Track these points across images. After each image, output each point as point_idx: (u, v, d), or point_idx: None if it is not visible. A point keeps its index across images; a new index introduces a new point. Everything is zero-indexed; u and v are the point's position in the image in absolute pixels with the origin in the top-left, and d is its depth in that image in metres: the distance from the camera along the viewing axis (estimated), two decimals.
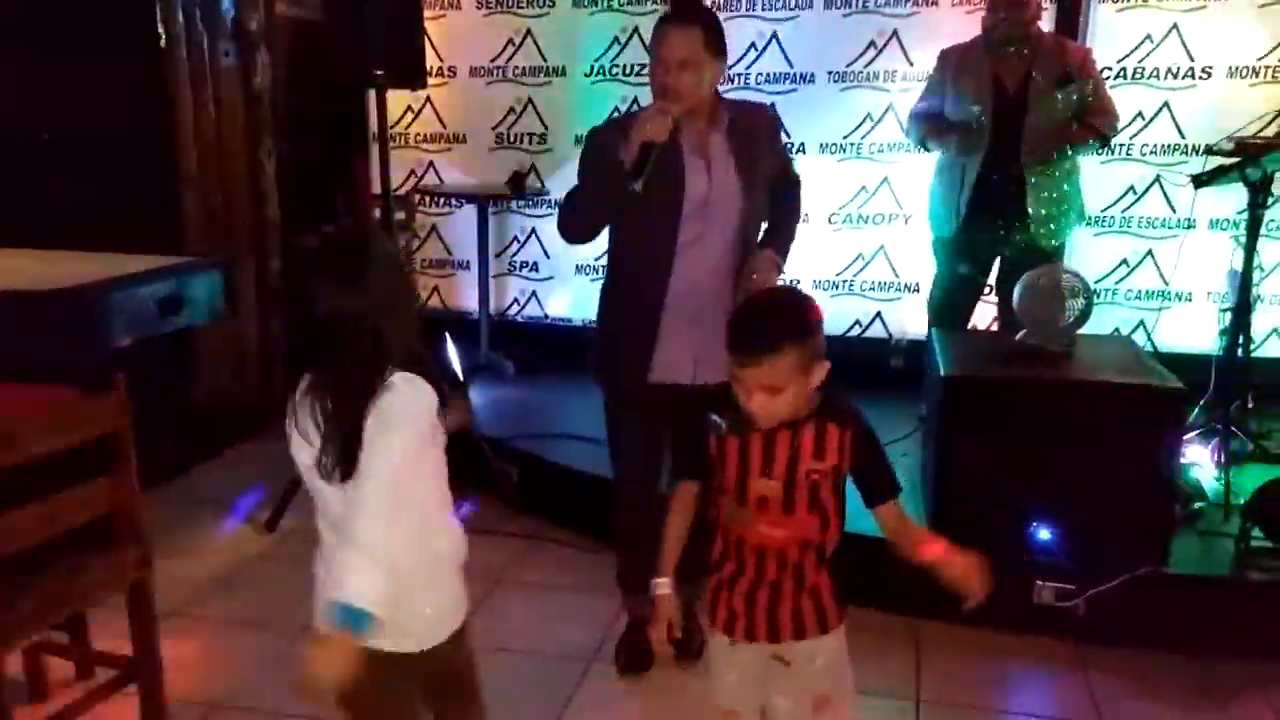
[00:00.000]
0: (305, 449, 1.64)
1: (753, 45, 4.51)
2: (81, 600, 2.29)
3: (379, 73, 3.59)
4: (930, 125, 3.59)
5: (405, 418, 1.58)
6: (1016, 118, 3.41)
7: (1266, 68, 4.04)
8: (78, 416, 2.16)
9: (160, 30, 4.14)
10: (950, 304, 3.74)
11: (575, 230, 2.55)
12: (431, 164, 5.05)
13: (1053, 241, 3.53)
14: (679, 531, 1.85)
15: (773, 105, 2.75)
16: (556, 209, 2.65)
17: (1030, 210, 3.46)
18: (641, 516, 2.71)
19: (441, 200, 5.05)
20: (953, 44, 3.65)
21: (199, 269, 3.33)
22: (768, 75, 4.52)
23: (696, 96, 2.39)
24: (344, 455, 1.58)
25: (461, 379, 4.25)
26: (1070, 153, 3.45)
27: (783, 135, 2.72)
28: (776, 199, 2.62)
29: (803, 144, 4.52)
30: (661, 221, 2.44)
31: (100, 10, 4.03)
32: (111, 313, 2.99)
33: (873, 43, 4.36)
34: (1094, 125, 3.41)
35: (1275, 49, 4.02)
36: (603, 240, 2.61)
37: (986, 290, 3.91)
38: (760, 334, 1.67)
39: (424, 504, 1.68)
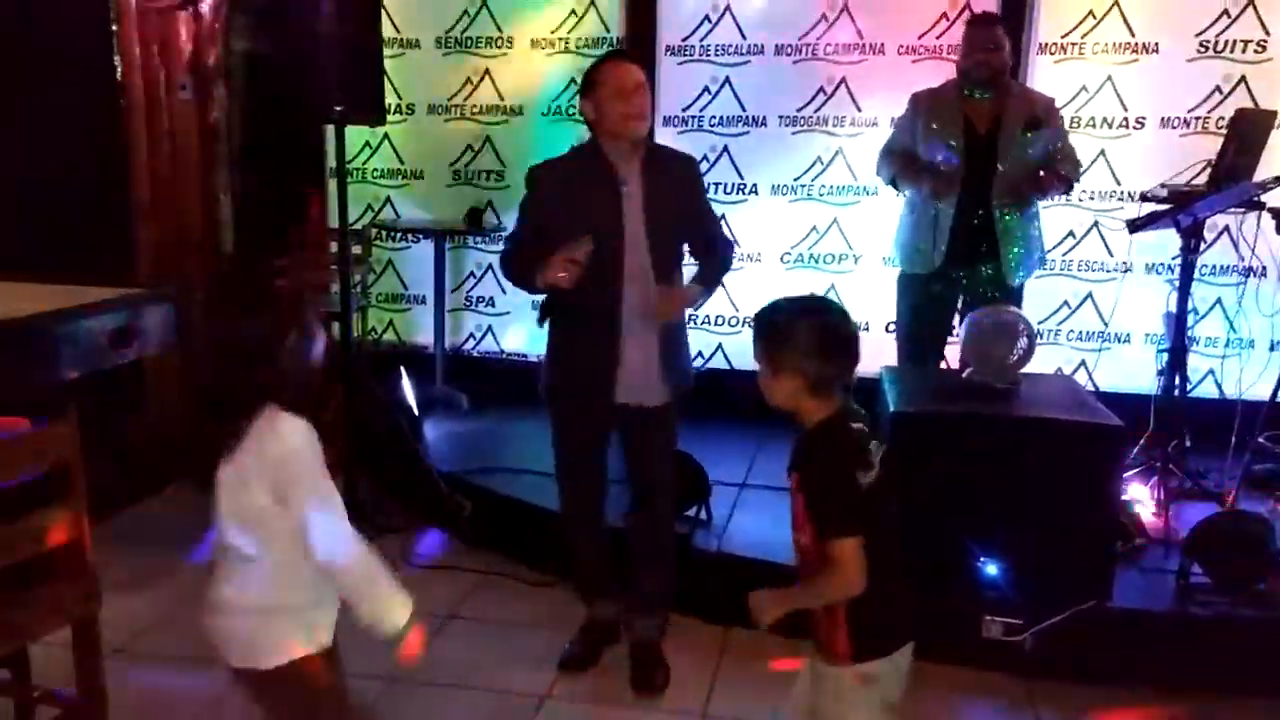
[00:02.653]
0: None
1: (706, 89, 4.60)
2: (24, 635, 2.22)
3: (338, 108, 3.61)
4: (903, 164, 3.65)
5: (306, 469, 1.77)
6: (987, 160, 3.49)
7: (1196, 118, 4.23)
8: (28, 447, 2.12)
9: (116, 62, 4.12)
10: (923, 338, 3.78)
11: (515, 283, 2.76)
12: (389, 199, 5.06)
13: (1017, 279, 3.62)
14: None
15: (695, 159, 2.92)
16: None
17: (1001, 251, 3.55)
18: (583, 532, 2.86)
19: (398, 235, 5.06)
20: (925, 87, 3.72)
21: (150, 301, 3.29)
22: (720, 118, 4.61)
23: (648, 120, 2.62)
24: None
25: (416, 413, 4.24)
26: (1038, 198, 3.56)
27: (704, 192, 2.86)
28: (702, 250, 2.78)
29: (755, 185, 4.61)
30: (608, 247, 2.60)
31: (56, 40, 4.01)
32: (60, 345, 2.94)
33: (822, 89, 4.49)
34: (1060, 172, 3.51)
35: (1203, 102, 4.21)
36: None
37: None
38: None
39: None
